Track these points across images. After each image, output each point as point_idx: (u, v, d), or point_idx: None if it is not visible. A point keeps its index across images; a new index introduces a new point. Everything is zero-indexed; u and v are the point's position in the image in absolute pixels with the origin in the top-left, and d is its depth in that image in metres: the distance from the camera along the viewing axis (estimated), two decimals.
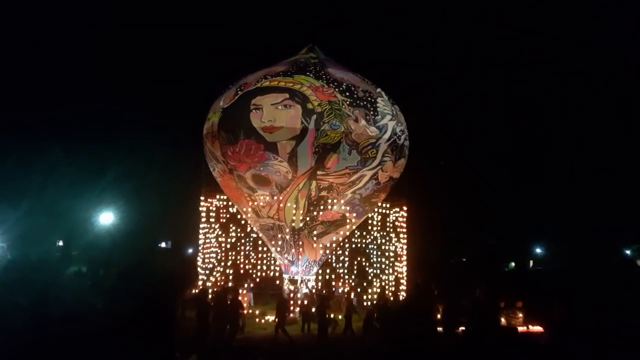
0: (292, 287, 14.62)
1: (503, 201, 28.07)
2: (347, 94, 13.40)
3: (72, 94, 22.76)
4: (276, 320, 12.26)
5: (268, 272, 16.81)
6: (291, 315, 13.95)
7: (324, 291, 15.41)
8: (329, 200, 13.82)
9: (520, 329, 12.26)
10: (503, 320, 13.03)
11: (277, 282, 15.94)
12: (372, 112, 13.50)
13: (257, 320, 14.13)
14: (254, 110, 13.14)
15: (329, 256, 16.00)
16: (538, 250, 34.25)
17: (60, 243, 23.32)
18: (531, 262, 33.72)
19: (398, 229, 16.87)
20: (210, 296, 12.82)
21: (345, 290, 15.86)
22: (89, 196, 20.69)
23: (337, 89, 13.37)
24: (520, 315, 13.44)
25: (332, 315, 13.08)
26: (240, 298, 13.13)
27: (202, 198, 16.24)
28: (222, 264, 16.25)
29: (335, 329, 12.69)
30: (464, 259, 30.35)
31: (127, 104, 23.37)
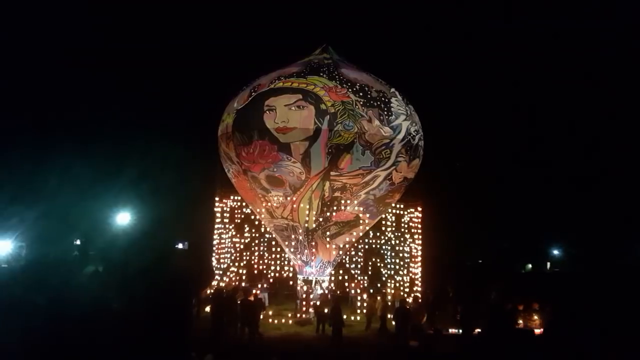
0: (306, 288, 14.61)
1: (519, 202, 27.65)
2: (361, 94, 13.36)
3: (88, 95, 23.08)
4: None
5: (282, 272, 16.82)
6: (304, 316, 13.93)
7: (338, 292, 15.38)
8: (343, 201, 13.79)
9: (537, 331, 12.05)
10: (520, 322, 12.84)
11: (291, 282, 15.93)
12: (385, 113, 13.43)
13: (270, 320, 14.13)
14: (267, 112, 13.18)
15: (343, 257, 15.96)
16: (555, 252, 33.68)
17: (78, 242, 23.70)
18: (548, 264, 33.17)
19: (412, 230, 16.78)
20: (225, 295, 12.89)
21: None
22: (106, 197, 20.98)
23: (350, 90, 13.34)
24: (537, 317, 13.21)
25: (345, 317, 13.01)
26: (258, 298, 13.17)
27: (216, 199, 16.35)
28: (237, 264, 16.35)
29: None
30: (480, 261, 30.00)
31: (143, 106, 23.66)
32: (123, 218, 22.50)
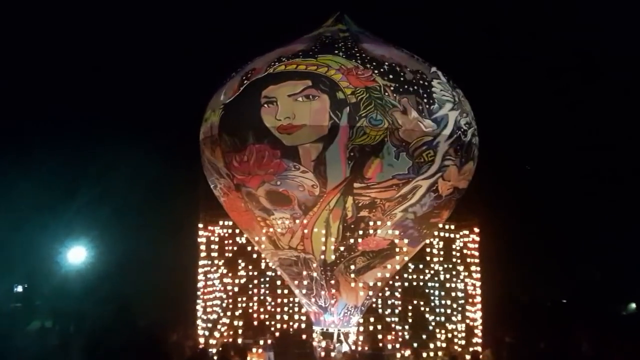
0: (325, 344, 14.52)
1: (616, 218, 27.09)
2: (391, 76, 13.37)
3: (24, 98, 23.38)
4: None
5: (291, 323, 16.78)
6: None
7: (369, 349, 15.23)
8: (372, 223, 13.74)
9: None
10: None
11: (305, 336, 15.85)
12: (426, 100, 13.42)
13: None
14: (265, 105, 13.27)
15: (374, 300, 15.87)
16: None
17: (19, 289, 23.93)
18: None
19: (468, 260, 16.78)
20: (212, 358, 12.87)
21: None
22: (54, 227, 21.22)
23: (376, 71, 13.37)
24: None
25: None
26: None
27: (200, 225, 16.45)
28: (230, 313, 16.39)
29: None
30: (564, 300, 29.52)
31: (96, 103, 23.96)
32: (77, 255, 22.69)
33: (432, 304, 16.70)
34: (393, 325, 16.48)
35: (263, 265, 16.55)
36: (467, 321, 16.44)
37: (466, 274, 16.65)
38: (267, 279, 16.90)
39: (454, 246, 16.79)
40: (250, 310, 16.87)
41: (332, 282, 14.29)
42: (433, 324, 16.46)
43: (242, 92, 13.73)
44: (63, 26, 23.92)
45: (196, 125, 14.97)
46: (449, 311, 16.52)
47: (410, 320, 16.87)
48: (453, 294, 16.63)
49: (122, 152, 21.75)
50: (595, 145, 26.98)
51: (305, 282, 14.51)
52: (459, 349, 15.73)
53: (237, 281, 16.58)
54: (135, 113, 24.09)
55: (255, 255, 16.43)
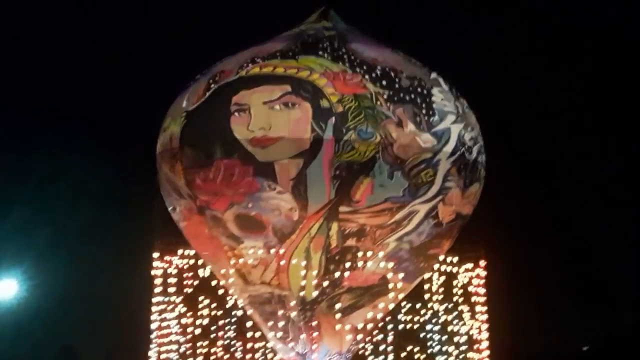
0: None
1: None
2: (384, 82, 13.54)
3: None
4: None
5: None
6: None
7: None
8: (360, 254, 13.80)
9: None
10: None
11: None
12: (424, 111, 13.59)
13: None
14: (236, 113, 13.35)
15: (363, 345, 15.93)
16: None
17: None
18: None
19: (472, 299, 17.02)
20: None
21: None
22: None
23: (367, 76, 13.53)
24: None
25: None
26: None
27: (155, 255, 16.44)
28: None
29: None
30: (585, 347, 29.74)
31: (29, 100, 23.78)
32: (7, 289, 22.43)
33: (430, 350, 16.78)
34: None
35: (230, 304, 16.52)
36: None
37: (470, 315, 16.76)
38: (235, 319, 16.88)
39: (456, 282, 16.92)
40: (214, 358, 16.82)
41: (313, 323, 14.26)
42: None
43: (209, 97, 13.81)
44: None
45: (153, 135, 15.04)
46: (450, 359, 16.59)
47: None
48: (455, 338, 16.74)
49: (62, 165, 21.68)
50: (621, 166, 27.32)
51: (280, 324, 14.45)
52: None
53: (198, 322, 16.53)
54: (79, 117, 23.99)
55: (220, 292, 16.41)
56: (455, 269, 16.72)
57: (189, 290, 16.35)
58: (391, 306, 15.19)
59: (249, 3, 24.63)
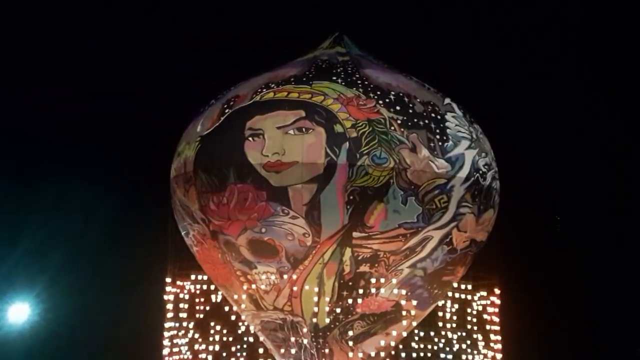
0: None
1: None
2: (398, 107, 13.63)
3: None
4: None
5: None
6: None
7: None
8: (374, 280, 13.77)
9: None
10: None
11: None
12: (438, 137, 13.66)
13: None
14: (250, 138, 13.46)
15: None
16: None
17: None
18: None
19: (487, 327, 16.76)
20: None
21: None
22: None
23: (381, 101, 13.63)
24: None
25: None
26: None
27: (167, 280, 16.41)
28: None
29: None
30: None
31: (43, 124, 23.90)
32: (19, 313, 22.44)
33: None
34: None
35: (242, 330, 16.41)
36: None
37: (484, 344, 16.57)
38: (246, 346, 16.77)
39: (470, 310, 16.75)
40: None
41: (325, 350, 14.24)
42: None
43: (223, 122, 13.94)
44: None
45: (167, 160, 15.14)
46: None
47: None
48: None
49: (76, 189, 21.78)
50: (639, 194, 27.15)
51: (292, 351, 14.40)
52: None
53: (210, 348, 16.39)
54: (93, 142, 24.14)
55: (233, 317, 16.31)
56: (469, 297, 16.57)
57: (200, 315, 16.26)
58: (404, 334, 15.10)
59: (263, 29, 24.90)
